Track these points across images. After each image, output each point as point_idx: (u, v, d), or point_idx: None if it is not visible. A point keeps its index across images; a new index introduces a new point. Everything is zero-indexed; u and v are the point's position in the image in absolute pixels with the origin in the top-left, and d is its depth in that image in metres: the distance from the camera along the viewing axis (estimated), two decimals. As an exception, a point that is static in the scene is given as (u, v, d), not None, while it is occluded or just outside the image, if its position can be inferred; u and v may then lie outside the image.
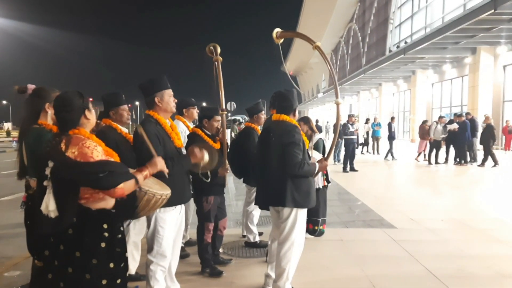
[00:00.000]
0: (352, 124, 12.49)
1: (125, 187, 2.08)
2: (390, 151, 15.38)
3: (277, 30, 3.60)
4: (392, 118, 16.17)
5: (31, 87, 2.90)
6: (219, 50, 3.75)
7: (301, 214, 3.27)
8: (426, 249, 4.63)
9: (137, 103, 56.63)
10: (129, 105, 4.33)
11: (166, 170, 2.50)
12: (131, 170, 2.23)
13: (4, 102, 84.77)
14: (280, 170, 3.14)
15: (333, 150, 3.55)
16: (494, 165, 12.63)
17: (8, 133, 42.40)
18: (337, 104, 3.49)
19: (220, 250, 4.30)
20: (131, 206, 2.30)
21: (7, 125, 60.59)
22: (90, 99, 2.56)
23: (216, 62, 3.73)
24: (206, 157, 3.10)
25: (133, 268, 3.69)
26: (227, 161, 3.84)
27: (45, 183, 2.06)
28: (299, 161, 3.09)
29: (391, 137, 15.41)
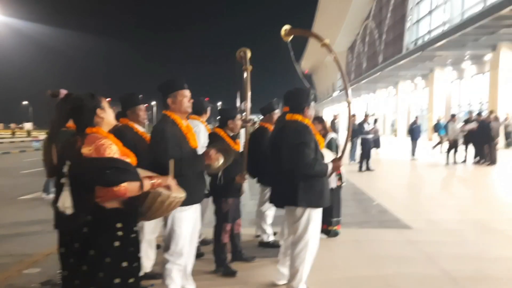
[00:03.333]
0: (368, 123, 12.37)
1: (129, 188, 2.06)
2: (413, 150, 15.18)
3: (286, 27, 3.46)
4: (416, 117, 15.98)
5: (63, 91, 3.00)
6: (249, 55, 3.50)
7: (315, 214, 3.24)
8: (443, 250, 4.56)
9: (153, 103, 57.41)
10: (146, 104, 4.37)
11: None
12: (141, 173, 2.24)
13: (24, 102, 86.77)
14: (292, 170, 3.13)
15: (346, 149, 3.49)
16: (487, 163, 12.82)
17: (29, 133, 43.30)
18: (348, 103, 3.44)
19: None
20: (135, 209, 2.27)
21: (28, 125, 61.98)
22: (108, 99, 2.62)
23: (245, 72, 3.50)
24: (220, 161, 3.10)
25: (148, 266, 3.74)
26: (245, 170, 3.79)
27: (62, 180, 2.11)
28: (310, 161, 3.07)
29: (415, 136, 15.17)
